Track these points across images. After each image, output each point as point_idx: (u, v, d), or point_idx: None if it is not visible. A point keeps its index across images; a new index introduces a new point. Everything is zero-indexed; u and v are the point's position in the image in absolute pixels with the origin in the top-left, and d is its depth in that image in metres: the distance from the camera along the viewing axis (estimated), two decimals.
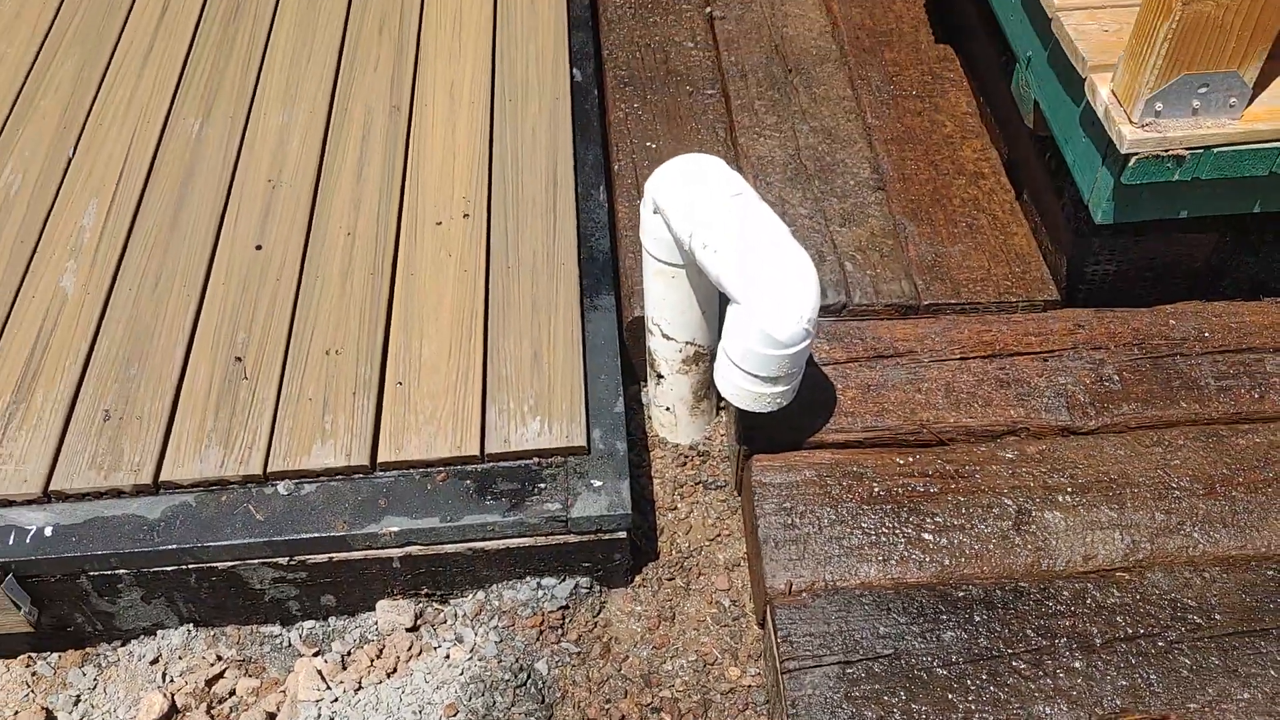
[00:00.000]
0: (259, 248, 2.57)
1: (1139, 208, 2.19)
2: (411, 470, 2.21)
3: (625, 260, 2.59)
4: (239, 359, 2.36)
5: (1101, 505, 2.17)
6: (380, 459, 2.20)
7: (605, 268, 2.56)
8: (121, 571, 2.16)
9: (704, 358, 2.36)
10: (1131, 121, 2.03)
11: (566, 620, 2.25)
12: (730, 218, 1.97)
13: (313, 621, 2.31)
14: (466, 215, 2.62)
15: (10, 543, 2.13)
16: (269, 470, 2.19)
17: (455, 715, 2.11)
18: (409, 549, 2.17)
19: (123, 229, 2.62)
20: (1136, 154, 2.04)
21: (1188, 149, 2.04)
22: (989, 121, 2.86)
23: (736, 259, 1.95)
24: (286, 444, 2.22)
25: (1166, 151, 2.04)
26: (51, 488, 2.18)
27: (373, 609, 2.29)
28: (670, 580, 2.34)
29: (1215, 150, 2.05)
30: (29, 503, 2.18)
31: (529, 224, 2.60)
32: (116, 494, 2.19)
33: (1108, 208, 2.18)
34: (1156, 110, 2.01)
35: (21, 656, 2.33)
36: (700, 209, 1.99)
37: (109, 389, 2.32)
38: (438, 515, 2.15)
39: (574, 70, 3.00)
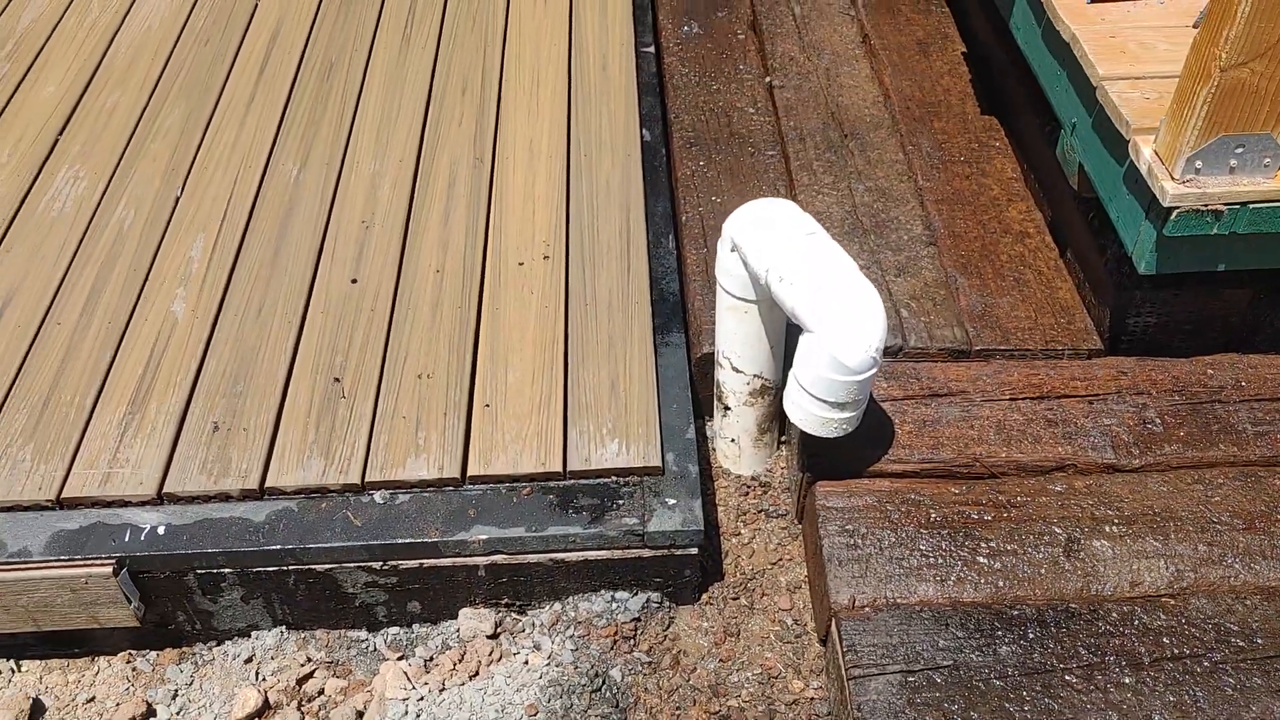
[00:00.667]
0: (354, 281, 2.77)
1: (1179, 259, 2.36)
2: (499, 484, 2.37)
3: (693, 302, 2.77)
4: (337, 379, 2.54)
5: (1147, 536, 2.31)
6: (470, 473, 2.36)
7: (675, 308, 2.74)
8: (226, 570, 2.32)
9: (769, 391, 2.52)
10: (1173, 178, 2.21)
11: (638, 632, 2.39)
12: (805, 253, 2.16)
13: (397, 628, 2.45)
14: (546, 257, 2.81)
15: (126, 539, 2.29)
16: (366, 480, 2.35)
17: (535, 715, 2.23)
18: (495, 557, 2.32)
19: (228, 261, 2.82)
20: (1178, 208, 2.22)
21: (1225, 204, 2.22)
22: (1033, 186, 3.05)
23: (810, 291, 2.13)
24: (383, 457, 2.39)
25: (1205, 206, 2.22)
26: (165, 490, 2.35)
27: (455, 617, 2.43)
28: (735, 599, 2.47)
29: (1251, 206, 2.22)
30: (143, 503, 2.35)
31: (605, 267, 2.79)
32: (224, 498, 2.35)
33: (1151, 259, 2.35)
34: (1196, 168, 2.19)
35: (123, 653, 2.47)
36: (777, 245, 2.18)
37: (217, 403, 2.50)
38: (523, 525, 2.30)
39: (643, 130, 3.22)
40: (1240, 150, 2.17)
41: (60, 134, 3.24)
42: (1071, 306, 2.74)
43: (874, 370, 2.15)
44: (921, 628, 2.18)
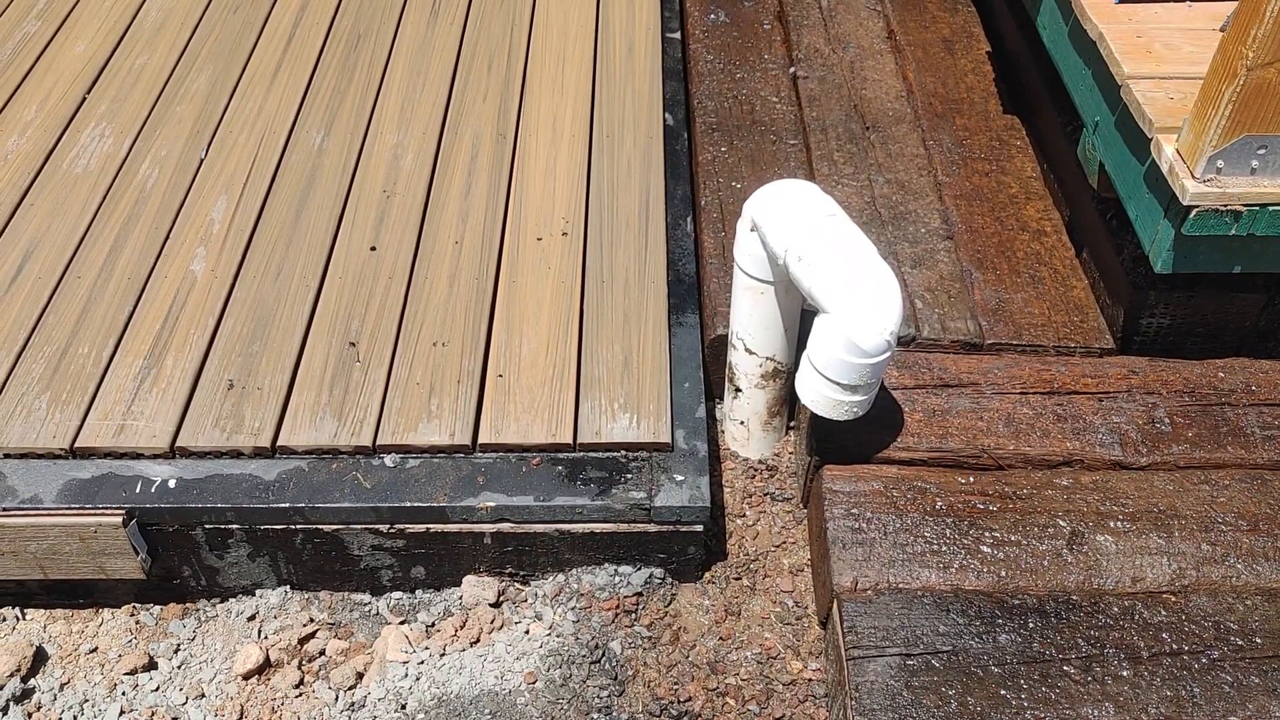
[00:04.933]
0: (373, 249, 2.78)
1: (1196, 259, 2.37)
2: (509, 453, 2.38)
3: (709, 285, 2.78)
4: (353, 344, 2.56)
5: (1150, 533, 2.32)
6: (481, 441, 2.38)
7: (690, 290, 2.76)
8: (234, 526, 2.34)
9: (781, 374, 2.53)
10: (1194, 176, 2.22)
11: (640, 607, 2.40)
12: (825, 234, 2.17)
13: (401, 593, 2.47)
14: (565, 234, 2.83)
15: (137, 491, 2.31)
16: (378, 443, 2.37)
17: (535, 683, 2.25)
18: (501, 525, 2.33)
19: (249, 223, 2.84)
20: (1197, 206, 2.23)
21: (1245, 205, 2.23)
22: (1052, 186, 3.06)
23: (828, 272, 2.14)
24: (395, 421, 2.40)
25: (1225, 206, 2.23)
26: (178, 444, 2.37)
27: (459, 584, 2.45)
28: (737, 580, 2.48)
29: (1271, 208, 2.23)
30: (156, 456, 2.37)
31: (622, 245, 2.81)
32: (236, 454, 2.37)
33: (1168, 257, 2.36)
34: (1218, 167, 2.20)
35: (126, 606, 2.49)
36: (797, 226, 2.19)
37: (233, 361, 2.52)
38: (531, 495, 2.31)
39: (666, 114, 3.24)
40: (1263, 151, 2.18)
41: (88, 92, 3.26)
42: (1085, 305, 2.75)
43: (889, 354, 2.16)
44: (922, 612, 2.19)
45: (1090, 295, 2.77)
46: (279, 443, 2.37)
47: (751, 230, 2.29)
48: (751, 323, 2.44)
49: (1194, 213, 2.24)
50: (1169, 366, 2.61)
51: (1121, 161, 2.52)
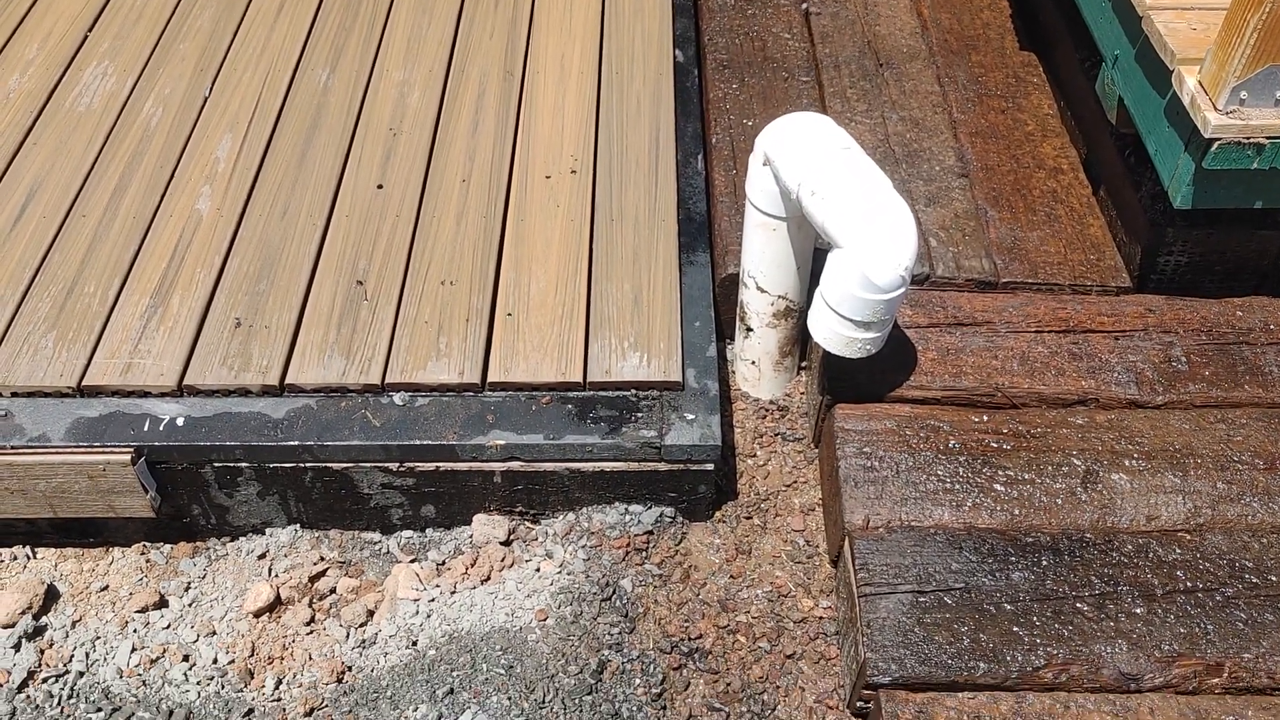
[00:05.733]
0: (380, 187, 2.75)
1: (1216, 194, 2.32)
2: (518, 392, 2.36)
3: (720, 224, 2.75)
4: (360, 282, 2.53)
5: (1166, 472, 2.30)
6: (490, 379, 2.36)
7: (701, 228, 2.72)
8: (243, 464, 2.33)
9: (793, 313, 2.50)
10: (1216, 108, 2.17)
11: (650, 545, 2.39)
12: (839, 168, 2.13)
13: (411, 531, 2.46)
14: (574, 171, 2.79)
15: (145, 429, 2.30)
16: (386, 381, 2.35)
17: (545, 619, 2.25)
18: (511, 464, 2.32)
19: (254, 161, 2.81)
20: (1219, 139, 2.18)
21: (1268, 138, 2.18)
22: (1069, 123, 3.00)
23: (843, 206, 2.10)
24: (403, 360, 2.38)
25: (1247, 139, 2.18)
26: (185, 382, 2.36)
27: (469, 523, 2.44)
28: (748, 519, 2.47)
29: None
30: (164, 395, 2.36)
31: (632, 183, 2.77)
32: (244, 393, 2.36)
33: (1187, 192, 2.31)
34: (1241, 98, 2.15)
35: (137, 545, 2.49)
36: (811, 159, 2.15)
37: (240, 300, 2.50)
38: (541, 433, 2.30)
39: (676, 51, 3.18)
40: None
41: (89, 31, 3.21)
42: (1102, 244, 2.71)
43: (903, 290, 2.13)
44: (935, 550, 2.18)
45: (1107, 233, 2.73)
46: (287, 381, 2.36)
47: (764, 165, 2.25)
48: (763, 260, 2.40)
49: (1215, 146, 2.19)
50: (1186, 305, 2.58)
51: (1141, 95, 2.46)
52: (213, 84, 3.03)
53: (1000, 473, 2.30)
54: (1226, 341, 2.51)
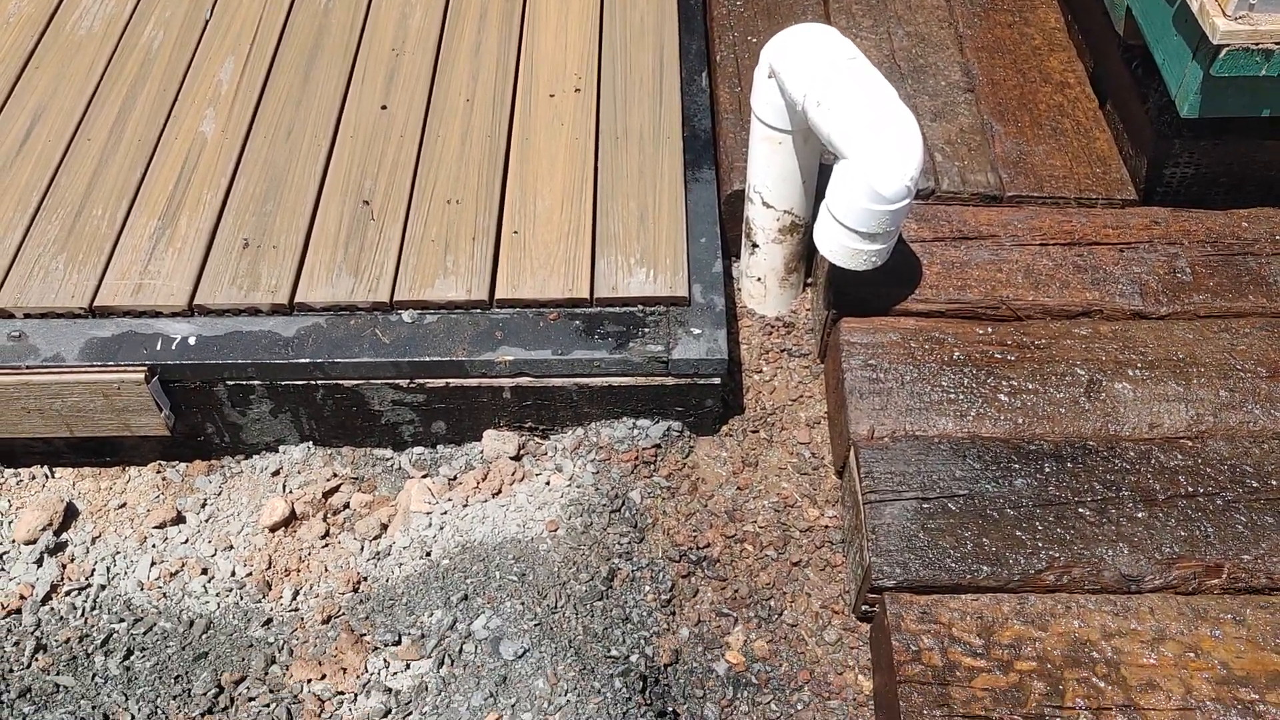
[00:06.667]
0: (384, 108, 2.74)
1: (1224, 102, 2.31)
2: (526, 309, 2.38)
3: (725, 140, 2.74)
4: (366, 202, 2.54)
5: (1169, 380, 2.32)
6: (498, 296, 2.38)
7: (706, 145, 2.72)
8: (255, 382, 2.35)
9: (798, 229, 2.51)
10: (1225, 14, 2.15)
11: (658, 458, 2.42)
12: (845, 78, 2.12)
13: (422, 447, 2.50)
14: (578, 90, 2.78)
15: (158, 348, 2.33)
16: (395, 299, 2.37)
17: (556, 530, 2.29)
18: (520, 379, 2.35)
19: (257, 84, 2.80)
20: (1227, 45, 2.17)
21: (1276, 43, 2.16)
22: (1076, 37, 2.98)
23: (848, 116, 2.10)
24: (411, 278, 2.40)
25: (1257, 45, 2.17)
26: (195, 302, 2.38)
27: (479, 439, 2.47)
28: (754, 433, 2.50)
29: None
30: (175, 314, 2.38)
31: (636, 101, 2.76)
32: (254, 312, 2.38)
33: (1194, 100, 2.30)
34: (1250, 3, 2.13)
35: (153, 464, 2.53)
36: (816, 70, 2.14)
37: (247, 221, 2.51)
38: (549, 349, 2.32)
39: None
40: None
41: None
42: (1108, 157, 2.70)
43: (909, 200, 2.13)
44: (939, 458, 2.21)
45: (1113, 147, 2.72)
46: (296, 300, 2.38)
47: (769, 77, 2.24)
48: (769, 175, 2.41)
49: (1224, 52, 2.18)
50: (1192, 217, 2.58)
51: (1150, 4, 2.44)
52: (213, 7, 3.01)
53: (1004, 383, 2.32)
54: (1231, 252, 2.52)
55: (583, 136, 2.67)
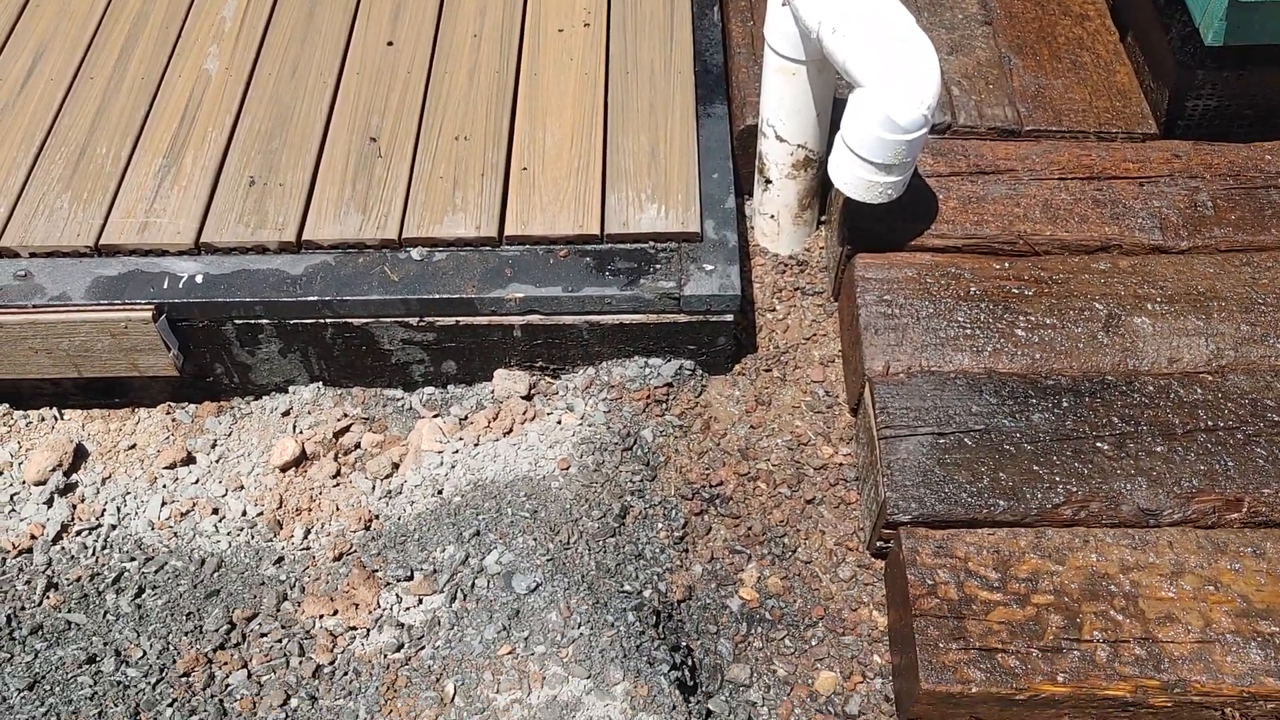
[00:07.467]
0: (390, 44, 2.70)
1: (1250, 29, 2.25)
2: (535, 245, 2.35)
3: (737, 75, 2.69)
4: (374, 139, 2.50)
5: (1189, 315, 2.28)
6: (507, 233, 2.34)
7: (718, 80, 2.67)
8: (264, 321, 2.33)
9: (813, 164, 2.47)
10: None
11: (670, 397, 2.40)
12: (861, 3, 2.07)
13: (433, 387, 2.48)
14: (587, 25, 2.73)
15: (164, 287, 2.31)
16: (404, 236, 2.34)
17: (568, 468, 2.27)
18: (530, 317, 2.32)
19: (261, 21, 2.75)
20: None
21: None
22: None
23: (864, 43, 2.05)
24: (420, 215, 2.37)
25: None
26: (202, 240, 2.35)
27: (489, 379, 2.45)
28: (767, 371, 2.47)
29: None
30: (181, 253, 2.35)
31: (646, 35, 2.71)
32: (262, 250, 2.35)
33: (1219, 28, 2.25)
34: None
35: (162, 405, 2.51)
36: None
37: (253, 159, 2.48)
38: (559, 286, 2.29)
39: None
40: None
41: None
42: (1129, 90, 2.65)
43: (925, 130, 2.09)
44: (955, 393, 2.18)
45: (1134, 80, 2.67)
46: (304, 237, 2.35)
47: (784, 4, 2.19)
48: (782, 107, 2.36)
49: None
50: (1214, 150, 2.53)
51: None
52: None
53: (1021, 318, 2.28)
54: (1254, 185, 2.47)
55: (592, 72, 2.62)
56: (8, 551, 2.23)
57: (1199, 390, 2.17)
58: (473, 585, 2.06)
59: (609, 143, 2.49)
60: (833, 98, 2.38)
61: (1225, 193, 2.46)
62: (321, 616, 2.09)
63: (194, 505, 2.32)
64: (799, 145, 2.42)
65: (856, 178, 2.19)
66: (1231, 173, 2.48)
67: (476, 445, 2.34)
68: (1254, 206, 2.43)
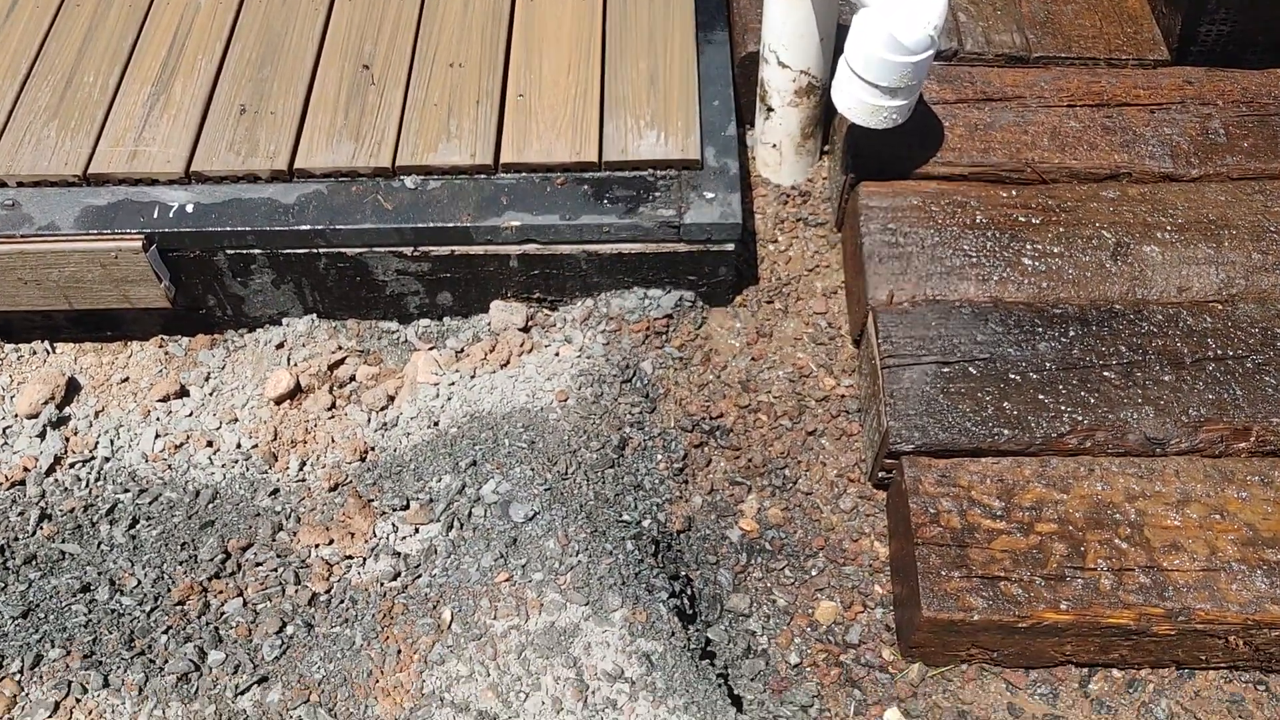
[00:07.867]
0: None
1: None
2: (532, 173, 2.30)
3: (739, 1, 2.63)
4: (366, 66, 2.44)
5: (1199, 243, 2.24)
6: (503, 160, 2.30)
7: (719, 6, 2.61)
8: (256, 251, 2.29)
9: (815, 91, 2.41)
10: None
11: (670, 329, 2.36)
12: None
13: (428, 320, 2.44)
14: None
15: (154, 216, 2.26)
16: (397, 164, 2.29)
17: (566, 400, 2.24)
18: (527, 247, 2.28)
19: None
20: None
21: None
22: None
23: None
24: (413, 142, 2.32)
25: None
26: (192, 169, 2.30)
27: (486, 311, 2.41)
28: (769, 303, 2.44)
29: None
30: (171, 182, 2.31)
31: None
32: (253, 178, 2.30)
33: None
34: None
35: (155, 338, 2.48)
36: None
37: (243, 87, 2.42)
38: (556, 214, 2.25)
39: None
40: None
41: None
42: (1140, 16, 2.58)
43: (931, 51, 2.03)
44: (960, 322, 2.14)
45: (1145, 6, 2.60)
46: (296, 165, 2.30)
47: None
48: (785, 31, 2.30)
49: None
50: (1227, 76, 2.47)
51: None
52: None
53: (1028, 246, 2.24)
54: (1268, 113, 2.41)
55: None
56: (0, 484, 2.21)
57: (1208, 319, 2.13)
58: (469, 514, 2.04)
59: (607, 69, 2.44)
60: (836, 23, 2.32)
61: (1238, 120, 2.40)
62: (317, 546, 2.07)
63: (188, 438, 2.30)
64: (801, 71, 2.36)
65: (860, 102, 2.14)
66: (1244, 100, 2.43)
67: (473, 377, 2.31)
68: (1267, 134, 2.38)
